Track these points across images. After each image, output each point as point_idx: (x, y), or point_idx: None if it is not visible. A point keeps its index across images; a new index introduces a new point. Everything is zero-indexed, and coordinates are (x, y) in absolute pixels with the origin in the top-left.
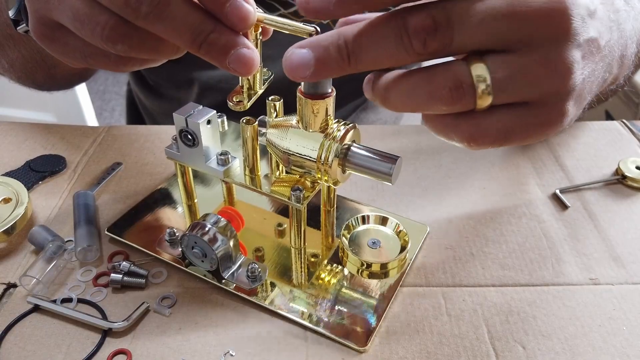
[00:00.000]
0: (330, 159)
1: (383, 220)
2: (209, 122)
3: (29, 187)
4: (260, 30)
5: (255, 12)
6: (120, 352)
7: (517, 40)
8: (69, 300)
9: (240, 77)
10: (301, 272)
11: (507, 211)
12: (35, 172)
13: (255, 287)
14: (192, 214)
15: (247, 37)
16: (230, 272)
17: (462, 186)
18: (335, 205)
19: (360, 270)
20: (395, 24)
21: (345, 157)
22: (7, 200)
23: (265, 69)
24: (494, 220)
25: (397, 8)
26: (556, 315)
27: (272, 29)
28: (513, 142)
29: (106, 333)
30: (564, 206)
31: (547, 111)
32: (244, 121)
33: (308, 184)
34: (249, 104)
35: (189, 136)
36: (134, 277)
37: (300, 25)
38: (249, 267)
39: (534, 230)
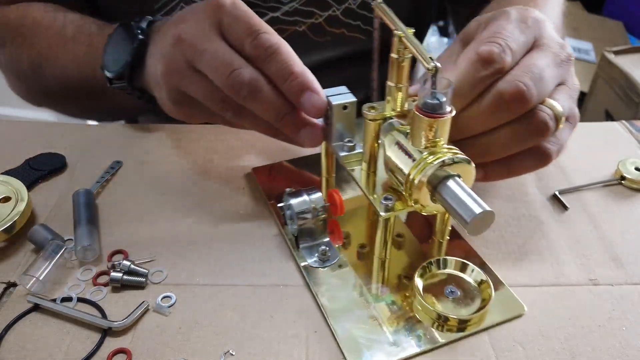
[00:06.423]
0: (417, 180)
1: (462, 267)
2: (345, 107)
3: (29, 186)
4: None
5: (325, 100)
6: (120, 351)
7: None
8: (69, 299)
9: (386, 93)
10: (377, 285)
11: (506, 213)
12: (35, 170)
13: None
14: (327, 187)
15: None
16: (308, 245)
17: None
18: (446, 239)
19: (434, 323)
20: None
21: (437, 185)
22: (6, 199)
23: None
24: (493, 222)
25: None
26: (556, 315)
27: None
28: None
29: (106, 332)
30: (563, 207)
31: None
32: (368, 113)
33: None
34: (381, 115)
35: (327, 114)
36: (134, 276)
37: (426, 56)
38: (321, 250)
39: (533, 231)
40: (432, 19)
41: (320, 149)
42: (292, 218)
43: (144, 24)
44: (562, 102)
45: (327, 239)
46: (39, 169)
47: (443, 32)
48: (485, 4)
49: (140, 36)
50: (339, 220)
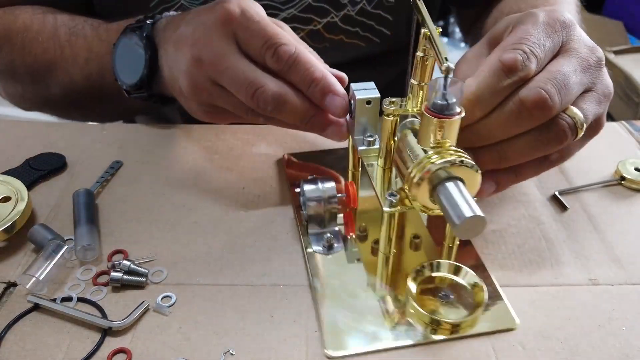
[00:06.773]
0: (417, 177)
1: (456, 270)
2: (368, 102)
3: (29, 186)
4: None
5: (346, 100)
6: (120, 351)
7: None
8: (69, 299)
9: (409, 90)
10: (380, 281)
11: (506, 213)
12: (35, 170)
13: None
14: (354, 180)
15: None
16: (316, 232)
17: None
18: (456, 244)
19: (426, 327)
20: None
21: (437, 185)
22: (6, 199)
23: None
24: (493, 222)
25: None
26: (556, 315)
27: None
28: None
29: (106, 332)
30: (563, 208)
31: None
32: (387, 103)
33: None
34: (399, 111)
35: (352, 107)
36: (134, 276)
37: (443, 56)
38: (326, 237)
39: (533, 231)
40: (434, 19)
41: (347, 143)
42: (304, 204)
43: (148, 31)
44: (588, 110)
45: (335, 229)
46: (39, 169)
47: (443, 32)
48: (494, 2)
49: (149, 45)
50: (358, 213)
